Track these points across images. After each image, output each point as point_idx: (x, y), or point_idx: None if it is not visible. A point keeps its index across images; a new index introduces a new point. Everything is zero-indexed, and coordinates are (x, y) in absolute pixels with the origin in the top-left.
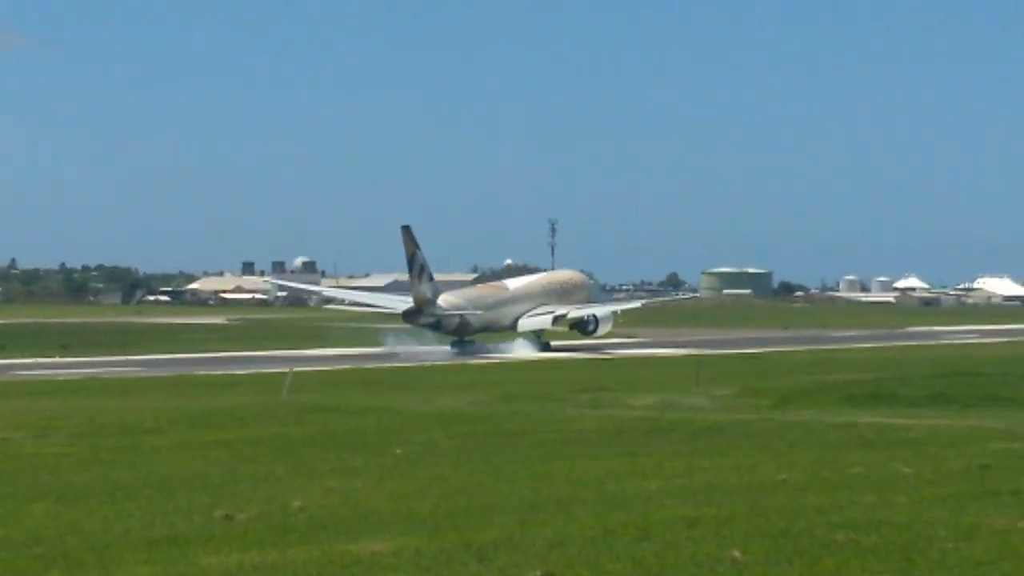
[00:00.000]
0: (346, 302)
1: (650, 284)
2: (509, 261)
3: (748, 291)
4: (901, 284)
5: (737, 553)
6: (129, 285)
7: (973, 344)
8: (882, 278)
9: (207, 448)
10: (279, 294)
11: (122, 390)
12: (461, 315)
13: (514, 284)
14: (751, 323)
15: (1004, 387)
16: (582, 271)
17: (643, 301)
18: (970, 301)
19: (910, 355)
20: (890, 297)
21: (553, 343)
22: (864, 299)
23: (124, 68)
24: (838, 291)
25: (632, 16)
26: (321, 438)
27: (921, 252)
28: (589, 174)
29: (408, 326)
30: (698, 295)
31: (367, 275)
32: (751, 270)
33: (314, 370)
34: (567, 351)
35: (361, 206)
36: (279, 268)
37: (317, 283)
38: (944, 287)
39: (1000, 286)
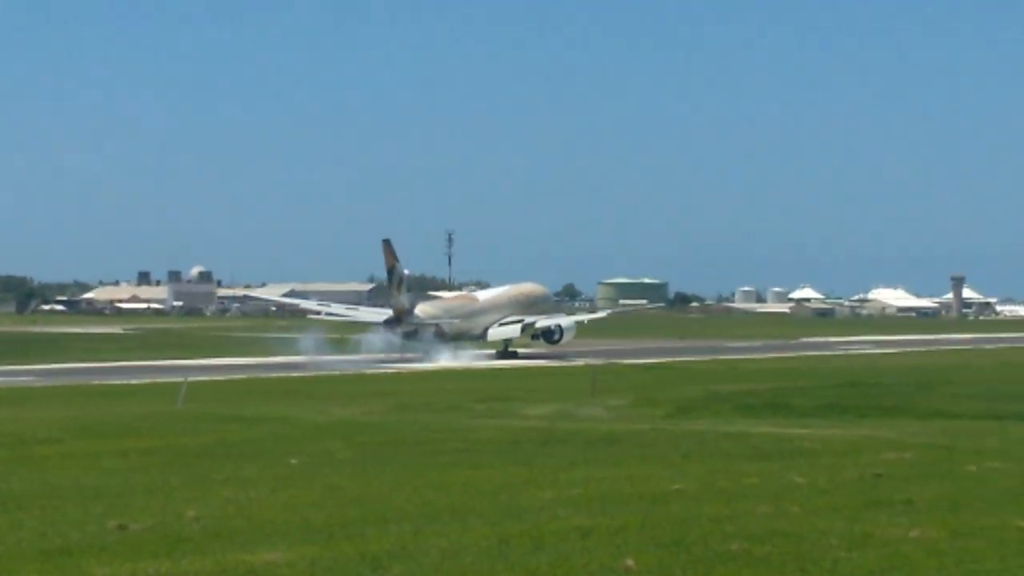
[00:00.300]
0: (324, 314)
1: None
2: (406, 271)
3: (644, 301)
4: (796, 295)
5: (631, 562)
6: (24, 294)
7: (867, 355)
8: (777, 289)
9: (101, 458)
10: (175, 303)
11: (16, 400)
12: (437, 324)
13: (483, 295)
14: (647, 333)
15: (897, 397)
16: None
17: (608, 311)
18: (864, 312)
19: (805, 365)
20: (785, 308)
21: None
22: (760, 310)
23: (14, 75)
24: (734, 302)
25: (519, 27)
26: (216, 448)
27: (816, 263)
28: (486, 185)
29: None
30: (600, 309)
31: (263, 284)
32: (647, 280)
33: (210, 380)
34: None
35: (256, 216)
36: (175, 278)
37: (213, 292)
38: (839, 298)
39: (894, 297)
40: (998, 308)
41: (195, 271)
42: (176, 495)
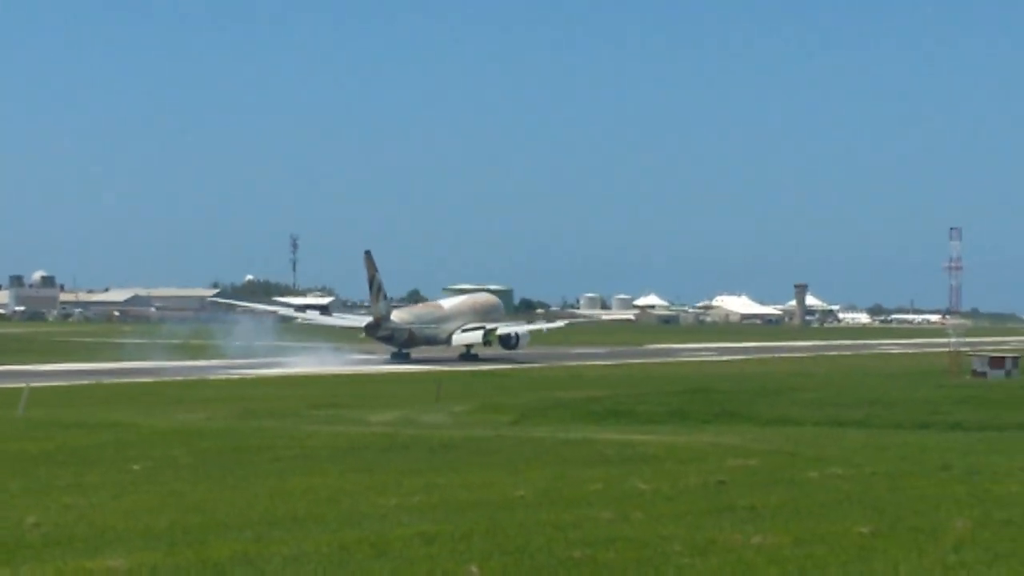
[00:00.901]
0: (300, 320)
1: (392, 300)
2: (250, 277)
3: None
4: (641, 301)
5: (474, 569)
6: None
7: (711, 361)
8: (622, 295)
9: None
10: (17, 308)
11: None
12: (409, 329)
13: (448, 304)
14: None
15: (740, 404)
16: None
17: (567, 321)
18: (708, 319)
19: (649, 372)
20: (630, 314)
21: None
22: (604, 316)
23: None
24: (579, 308)
25: (361, 39)
26: (58, 454)
27: (661, 270)
28: (331, 190)
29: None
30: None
31: (107, 289)
32: (492, 287)
33: (52, 385)
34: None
35: (99, 220)
36: (16, 282)
37: (56, 297)
38: (683, 305)
39: (738, 304)
40: (840, 315)
41: (37, 276)
42: (16, 501)
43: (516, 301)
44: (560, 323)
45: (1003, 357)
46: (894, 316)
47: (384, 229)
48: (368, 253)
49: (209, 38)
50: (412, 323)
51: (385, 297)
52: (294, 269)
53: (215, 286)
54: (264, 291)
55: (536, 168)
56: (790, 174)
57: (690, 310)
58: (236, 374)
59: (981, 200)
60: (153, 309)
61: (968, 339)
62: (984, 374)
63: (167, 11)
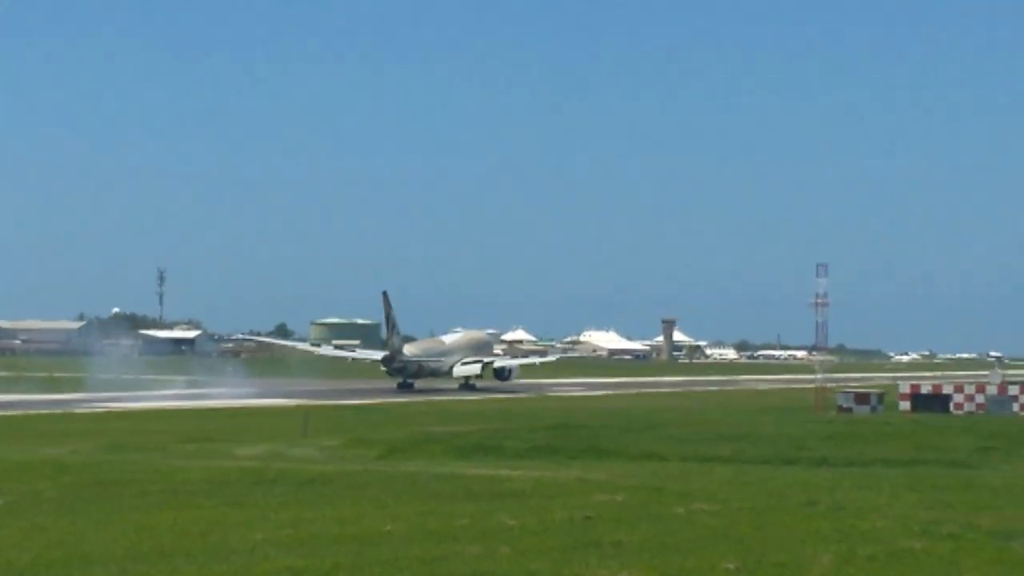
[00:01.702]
0: (317, 354)
1: (259, 333)
2: (116, 309)
3: (357, 342)
4: (509, 336)
5: None
6: None
7: (578, 396)
8: (491, 330)
9: None
10: None
11: None
12: (419, 362)
13: (448, 340)
14: (360, 374)
15: (608, 439)
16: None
17: (558, 356)
18: (576, 354)
19: (516, 407)
20: (498, 350)
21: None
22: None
23: None
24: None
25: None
26: None
27: (528, 305)
28: (198, 222)
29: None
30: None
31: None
32: (360, 321)
33: None
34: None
35: None
36: None
37: None
38: (551, 340)
39: (605, 339)
40: (707, 351)
41: None
42: None
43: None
44: (551, 357)
45: (868, 393)
46: (761, 352)
47: (252, 262)
48: (385, 293)
49: (78, 66)
50: (420, 356)
51: (398, 333)
52: (160, 302)
53: (81, 318)
54: (131, 323)
55: (402, 200)
56: (658, 210)
57: (558, 345)
58: (102, 407)
59: (847, 237)
60: (18, 341)
61: (834, 375)
62: (850, 410)
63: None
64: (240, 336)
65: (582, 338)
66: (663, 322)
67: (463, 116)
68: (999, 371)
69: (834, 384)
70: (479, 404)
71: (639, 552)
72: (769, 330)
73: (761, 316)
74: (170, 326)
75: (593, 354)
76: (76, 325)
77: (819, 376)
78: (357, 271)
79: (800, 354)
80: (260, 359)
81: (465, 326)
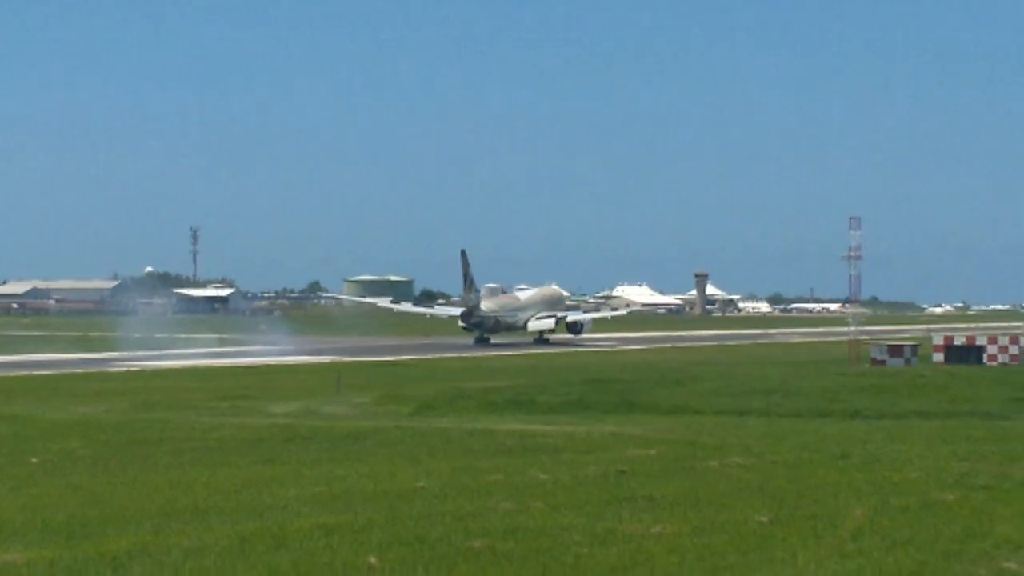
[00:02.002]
0: (395, 311)
1: (292, 292)
2: (149, 268)
3: (390, 299)
4: None
5: (373, 560)
6: None
7: (612, 351)
8: (522, 286)
9: None
10: None
11: None
12: (496, 317)
13: (523, 295)
14: (393, 331)
15: (640, 393)
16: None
17: (629, 309)
18: (609, 309)
19: (549, 362)
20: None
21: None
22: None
23: None
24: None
25: (268, 31)
26: None
27: (561, 260)
28: (231, 182)
29: None
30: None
31: (4, 282)
32: (393, 278)
33: None
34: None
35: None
36: None
37: None
38: (584, 295)
39: (638, 294)
40: (740, 305)
41: None
42: None
43: (416, 292)
44: (623, 311)
45: (902, 345)
46: (794, 305)
47: (285, 221)
48: (463, 252)
49: (96, 33)
50: (497, 312)
51: (476, 290)
52: (194, 261)
53: (115, 277)
54: (164, 283)
55: (433, 159)
56: (690, 164)
57: (591, 300)
58: (136, 366)
59: (880, 190)
60: (52, 301)
61: (867, 327)
62: (883, 362)
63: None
64: (272, 294)
65: (615, 293)
66: (696, 276)
67: (491, 71)
68: None
69: (867, 337)
70: (511, 359)
71: (672, 506)
72: (802, 283)
73: (794, 269)
74: (203, 285)
75: (626, 308)
76: (110, 284)
77: (852, 329)
78: (390, 228)
79: (833, 307)
80: (294, 316)
81: (498, 282)
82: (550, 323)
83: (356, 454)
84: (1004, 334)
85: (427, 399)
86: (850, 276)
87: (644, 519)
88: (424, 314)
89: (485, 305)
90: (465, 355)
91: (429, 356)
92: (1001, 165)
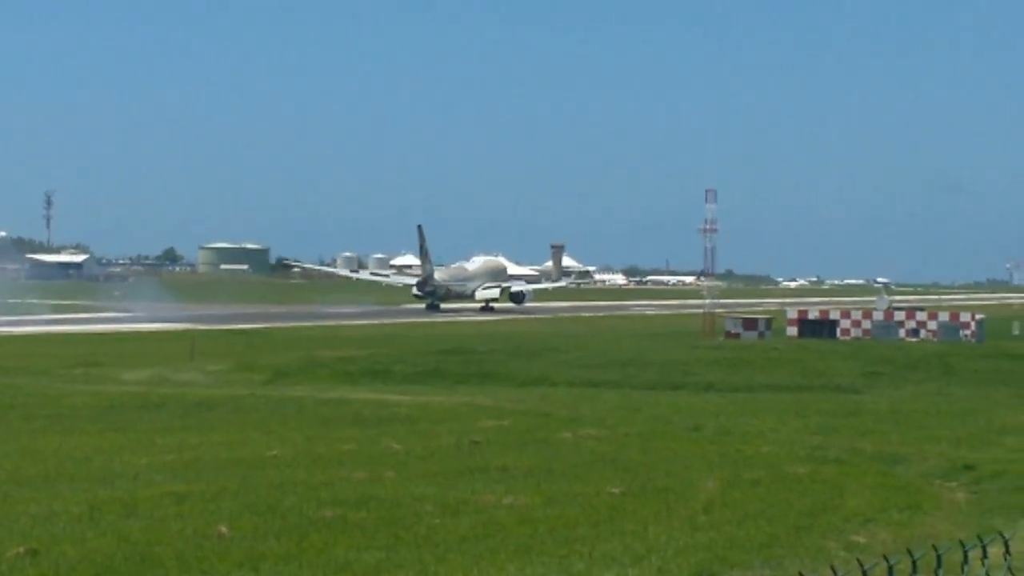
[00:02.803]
0: (354, 279)
1: (147, 258)
2: (1, 233)
3: (245, 267)
4: (398, 261)
5: (224, 529)
6: None
7: (464, 322)
8: (379, 255)
9: None
10: None
11: None
12: (447, 287)
13: (471, 267)
14: (248, 299)
15: (496, 364)
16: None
17: (569, 281)
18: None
19: (406, 332)
20: (387, 274)
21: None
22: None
23: None
24: (335, 267)
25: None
26: None
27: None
28: (86, 146)
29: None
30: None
31: None
32: (248, 246)
33: None
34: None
35: None
36: None
37: None
38: (440, 264)
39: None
40: (597, 276)
41: None
42: None
43: (272, 260)
44: (563, 283)
45: (756, 319)
46: (650, 277)
47: (140, 187)
48: (420, 227)
49: None
50: (448, 282)
51: (430, 261)
52: (48, 226)
53: None
54: (16, 248)
55: (291, 126)
56: (547, 134)
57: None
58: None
59: (737, 163)
60: None
61: (722, 300)
62: (738, 335)
63: None
64: (127, 260)
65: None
66: (552, 247)
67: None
68: (886, 297)
69: (722, 310)
70: (367, 328)
71: (525, 477)
72: (658, 255)
73: (651, 241)
74: (57, 250)
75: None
76: None
77: (707, 302)
78: (246, 195)
79: (689, 280)
80: (150, 283)
81: (356, 251)
82: (495, 293)
83: (209, 422)
84: (857, 308)
85: (282, 367)
86: (706, 249)
87: (496, 490)
88: (380, 283)
89: (438, 275)
90: (327, 323)
91: (288, 324)
92: (854, 141)
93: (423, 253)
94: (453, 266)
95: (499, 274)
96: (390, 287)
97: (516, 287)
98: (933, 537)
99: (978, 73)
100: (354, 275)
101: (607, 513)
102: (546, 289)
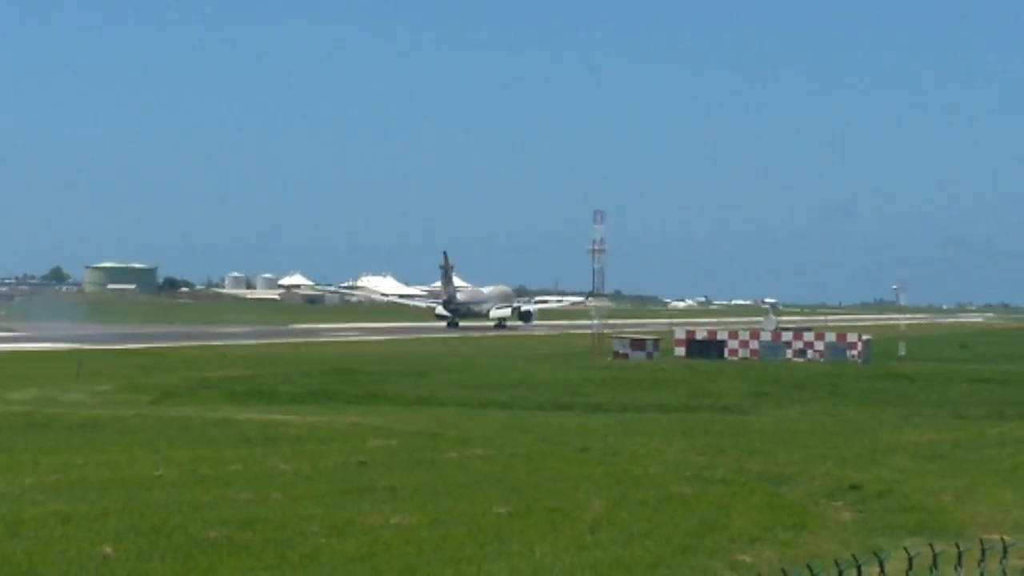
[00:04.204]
0: (387, 302)
1: (33, 277)
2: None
3: (133, 286)
4: (286, 281)
5: (109, 549)
6: None
7: (355, 342)
8: (267, 275)
9: None
10: None
11: None
12: (468, 306)
13: (486, 290)
14: (135, 319)
15: (385, 384)
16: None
17: (575, 299)
18: (353, 299)
19: (293, 352)
20: (275, 294)
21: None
22: (249, 296)
23: None
24: (223, 287)
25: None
26: None
27: (306, 250)
28: None
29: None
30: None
31: None
32: (136, 265)
33: None
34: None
35: None
36: None
37: None
38: (328, 285)
39: (383, 284)
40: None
41: None
42: None
43: (160, 280)
44: (567, 301)
45: (644, 339)
46: (538, 297)
47: (25, 205)
48: (445, 253)
49: None
50: (469, 302)
51: (453, 284)
52: None
53: None
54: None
55: (181, 146)
56: (436, 154)
57: (335, 290)
58: None
59: (625, 184)
60: None
61: (610, 321)
62: (626, 356)
63: None
64: (12, 280)
65: (360, 283)
66: (440, 267)
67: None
68: (773, 317)
69: (611, 330)
70: (254, 349)
71: (412, 497)
72: (547, 276)
73: (539, 262)
74: None
75: (371, 300)
76: None
77: (596, 322)
78: (134, 215)
79: (576, 300)
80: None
81: (242, 272)
82: (507, 312)
83: (94, 442)
84: (745, 329)
85: (169, 387)
86: (593, 269)
87: (383, 510)
88: (407, 305)
89: (460, 296)
90: (215, 344)
91: (174, 344)
92: (740, 161)
93: (447, 276)
94: (471, 289)
95: (508, 297)
96: (417, 309)
97: (524, 307)
98: (818, 556)
99: (866, 98)
100: (385, 298)
101: (493, 533)
102: (548, 308)
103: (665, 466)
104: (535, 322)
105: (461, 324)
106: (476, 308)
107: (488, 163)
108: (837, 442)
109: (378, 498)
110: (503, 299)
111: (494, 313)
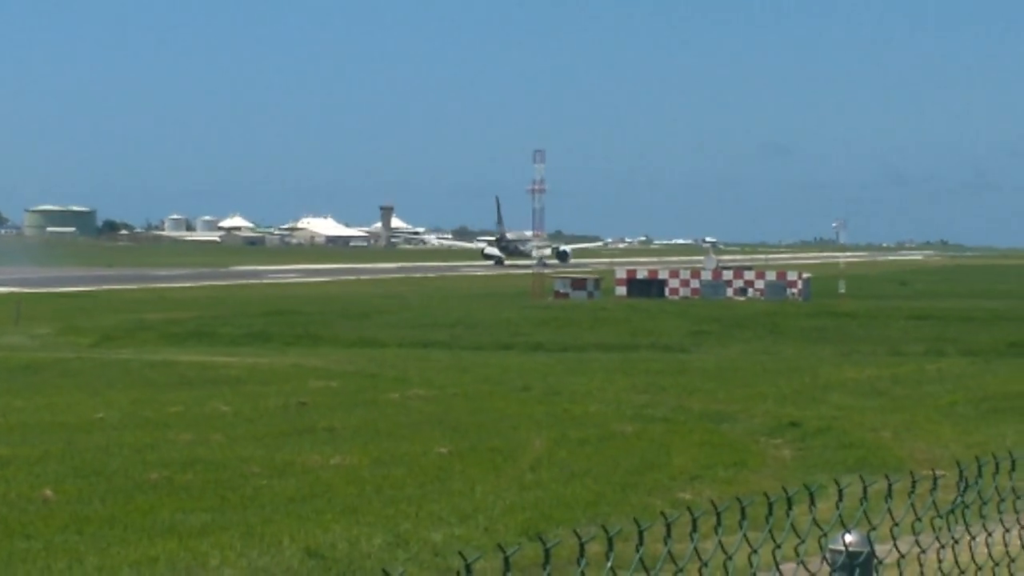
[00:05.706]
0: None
1: None
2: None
3: (72, 229)
4: (226, 223)
5: (49, 492)
6: None
7: (295, 283)
8: (207, 217)
9: None
10: None
11: None
12: (516, 244)
13: (527, 232)
14: (75, 261)
15: (323, 326)
16: None
17: (598, 245)
18: (294, 241)
19: (233, 294)
20: (215, 236)
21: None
22: (189, 238)
23: None
24: (163, 230)
25: None
26: None
27: (246, 191)
28: None
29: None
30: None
31: None
32: (75, 208)
33: None
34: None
35: None
36: None
37: None
38: (269, 227)
39: (323, 226)
40: (426, 238)
41: None
42: None
43: (99, 223)
44: (599, 243)
45: (584, 278)
46: (480, 238)
47: None
48: (497, 198)
49: None
50: (516, 241)
51: (503, 225)
52: None
53: None
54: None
55: (121, 86)
56: (374, 96)
57: (275, 232)
58: None
59: (565, 123)
60: None
61: (551, 261)
62: (566, 295)
63: None
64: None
65: (300, 225)
66: (381, 208)
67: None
68: (713, 256)
69: (550, 270)
70: (193, 291)
71: (352, 437)
72: (488, 216)
73: (480, 202)
74: None
75: (311, 240)
76: None
77: (535, 262)
78: (72, 156)
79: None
80: None
81: (182, 214)
82: (548, 251)
83: (34, 386)
84: (686, 268)
85: (108, 330)
86: (534, 209)
87: (324, 450)
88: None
89: (510, 235)
90: (155, 286)
91: (114, 287)
92: (682, 101)
93: (500, 218)
94: (514, 232)
95: (544, 239)
96: (466, 250)
97: (562, 247)
98: (758, 493)
99: (807, 38)
100: (440, 242)
101: (434, 473)
102: (583, 248)
103: (606, 405)
104: (573, 261)
105: (507, 263)
106: (523, 247)
107: (428, 105)
108: (777, 380)
109: (319, 439)
110: (540, 240)
111: (536, 253)
